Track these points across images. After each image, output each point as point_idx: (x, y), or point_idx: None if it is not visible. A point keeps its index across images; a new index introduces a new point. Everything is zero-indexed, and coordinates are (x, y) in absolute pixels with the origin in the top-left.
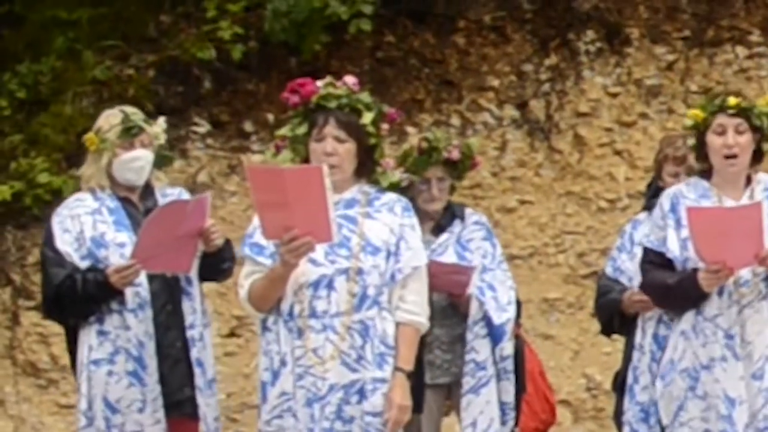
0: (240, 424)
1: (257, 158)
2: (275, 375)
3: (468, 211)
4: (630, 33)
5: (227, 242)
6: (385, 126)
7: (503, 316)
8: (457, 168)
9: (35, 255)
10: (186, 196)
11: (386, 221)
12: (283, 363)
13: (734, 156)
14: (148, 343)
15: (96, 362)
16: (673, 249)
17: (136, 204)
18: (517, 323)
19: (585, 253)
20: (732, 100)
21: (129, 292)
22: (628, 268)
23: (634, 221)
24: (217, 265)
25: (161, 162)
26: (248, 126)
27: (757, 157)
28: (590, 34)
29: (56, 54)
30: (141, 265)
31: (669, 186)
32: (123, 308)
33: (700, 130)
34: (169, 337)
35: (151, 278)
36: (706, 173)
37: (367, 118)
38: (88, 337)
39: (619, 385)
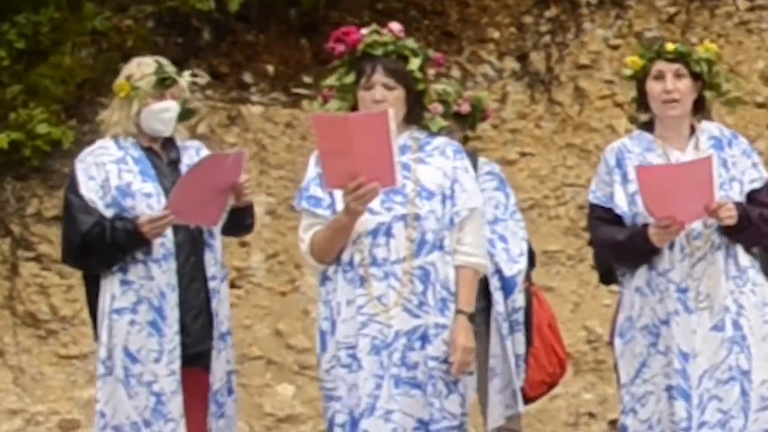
0: (240, 375)
1: (257, 109)
2: (334, 324)
3: (481, 160)
4: None
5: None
6: (431, 71)
7: (514, 267)
8: (468, 120)
9: (34, 206)
10: (204, 151)
11: (439, 165)
12: (339, 313)
13: (674, 100)
14: (170, 294)
15: (118, 311)
16: (621, 205)
17: (159, 154)
18: (528, 275)
19: (585, 205)
20: (670, 46)
21: (155, 242)
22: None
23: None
24: (243, 220)
25: (185, 115)
26: (247, 77)
27: (698, 105)
28: None
29: (55, 4)
30: (174, 216)
31: None
32: (148, 258)
33: (638, 77)
34: (192, 289)
35: (175, 229)
36: (649, 125)
37: (414, 64)
38: (111, 285)
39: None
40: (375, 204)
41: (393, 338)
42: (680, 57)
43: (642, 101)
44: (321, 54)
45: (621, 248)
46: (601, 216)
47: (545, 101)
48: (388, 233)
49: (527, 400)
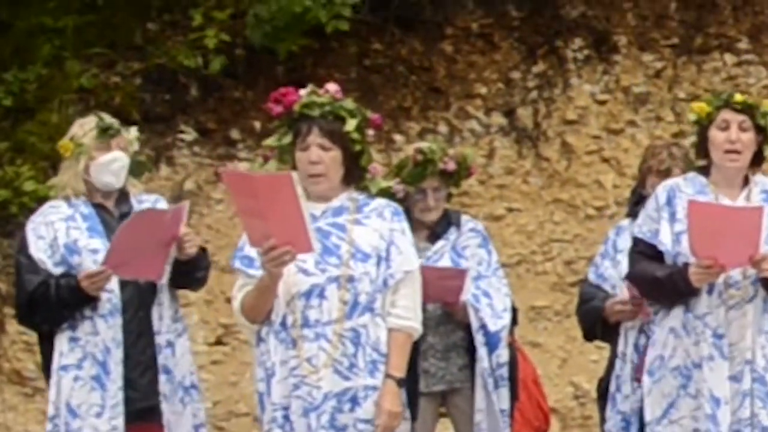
0: None
1: (244, 166)
2: (270, 385)
3: (464, 218)
4: (618, 40)
5: (203, 251)
6: (370, 132)
7: (498, 323)
8: (453, 177)
9: None
10: (162, 203)
11: (376, 226)
12: (273, 374)
13: (736, 152)
14: (114, 349)
15: (65, 368)
16: (665, 242)
17: (110, 210)
18: (511, 331)
19: (572, 260)
20: (738, 96)
21: (102, 298)
22: (611, 275)
23: (618, 228)
24: (191, 273)
25: (137, 169)
26: (235, 134)
27: (757, 158)
28: (578, 41)
29: (42, 61)
30: (112, 270)
31: None
32: (95, 314)
33: (703, 124)
34: (140, 344)
35: (123, 285)
36: (705, 169)
37: (351, 125)
38: (60, 343)
39: (602, 392)
40: (309, 265)
41: (321, 400)
42: (747, 109)
43: (702, 147)
44: None
45: (659, 284)
46: (643, 251)
47: (532, 156)
48: (321, 295)
49: None
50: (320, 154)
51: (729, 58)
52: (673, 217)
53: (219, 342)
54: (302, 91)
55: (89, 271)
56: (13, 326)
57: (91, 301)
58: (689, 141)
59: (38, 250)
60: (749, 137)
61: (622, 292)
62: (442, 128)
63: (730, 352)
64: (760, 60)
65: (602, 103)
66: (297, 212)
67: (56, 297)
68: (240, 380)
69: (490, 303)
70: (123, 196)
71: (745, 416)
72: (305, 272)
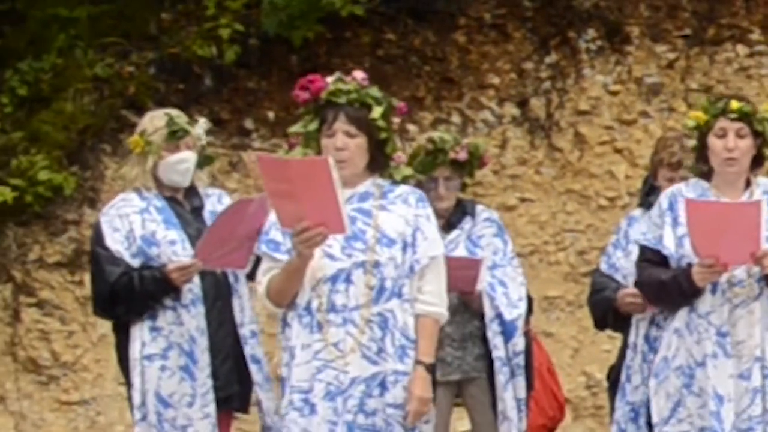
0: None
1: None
2: (291, 369)
3: (479, 207)
4: (630, 31)
5: None
6: (396, 120)
7: (514, 312)
8: (465, 167)
9: (36, 252)
10: (227, 198)
11: (401, 212)
12: (293, 357)
13: (734, 159)
14: (199, 338)
15: (149, 357)
16: (669, 246)
17: (182, 202)
18: (527, 320)
19: (585, 251)
20: (734, 104)
21: (183, 288)
22: (623, 265)
23: (630, 218)
24: None
25: (203, 162)
26: (249, 123)
27: (757, 161)
28: (591, 32)
29: (57, 51)
30: (202, 263)
31: (664, 188)
32: (177, 304)
33: (701, 131)
34: (221, 333)
35: (202, 275)
36: (706, 174)
37: (377, 112)
38: (141, 333)
39: (613, 381)
40: (335, 250)
41: (348, 384)
42: (744, 117)
43: (702, 154)
44: None
45: (664, 288)
46: (649, 258)
47: (545, 147)
48: (348, 279)
49: None
50: (346, 140)
51: (741, 49)
52: (675, 222)
53: None
54: (329, 78)
55: (180, 263)
56: (28, 315)
57: (174, 291)
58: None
59: (115, 241)
60: (747, 143)
61: (633, 283)
62: (455, 118)
63: (738, 350)
64: None
65: (615, 93)
66: (332, 195)
67: (140, 288)
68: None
69: (505, 292)
70: (191, 189)
71: (756, 413)
72: (331, 257)
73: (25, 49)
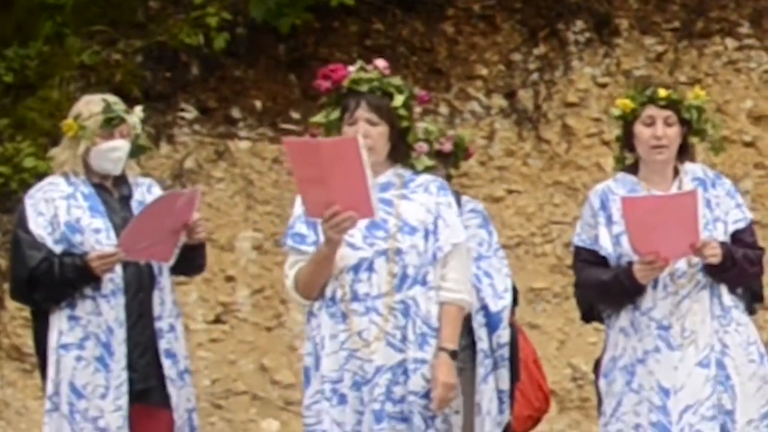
0: (224, 410)
1: (244, 145)
2: (318, 359)
3: (464, 198)
4: (619, 23)
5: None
6: (417, 109)
7: (499, 303)
8: (450, 159)
9: None
10: (156, 188)
11: (422, 201)
12: (323, 347)
13: (662, 146)
14: (117, 329)
15: (65, 347)
16: (605, 246)
17: (110, 190)
18: (512, 311)
19: (572, 243)
20: (662, 92)
21: (104, 278)
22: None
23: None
24: (194, 259)
25: (137, 151)
26: (236, 112)
27: (683, 149)
28: (579, 24)
29: (43, 38)
30: (125, 253)
31: None
32: (97, 294)
33: (627, 120)
34: (139, 325)
35: (125, 266)
36: (633, 167)
37: (399, 100)
38: (58, 321)
39: (598, 373)
40: (357, 239)
41: (374, 373)
42: (672, 104)
43: (628, 142)
44: (309, 90)
45: (606, 288)
46: (587, 258)
47: (533, 139)
48: (370, 268)
49: None
50: (368, 128)
51: (730, 42)
52: (609, 220)
53: (218, 320)
54: (350, 67)
55: (101, 252)
56: (11, 302)
57: (94, 280)
58: None
59: (38, 226)
60: (675, 131)
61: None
62: (443, 109)
63: (691, 340)
64: (761, 44)
65: (603, 86)
66: (361, 176)
67: (60, 275)
68: (238, 359)
69: (491, 283)
70: (121, 177)
71: (715, 402)
72: (353, 246)
73: (12, 35)
